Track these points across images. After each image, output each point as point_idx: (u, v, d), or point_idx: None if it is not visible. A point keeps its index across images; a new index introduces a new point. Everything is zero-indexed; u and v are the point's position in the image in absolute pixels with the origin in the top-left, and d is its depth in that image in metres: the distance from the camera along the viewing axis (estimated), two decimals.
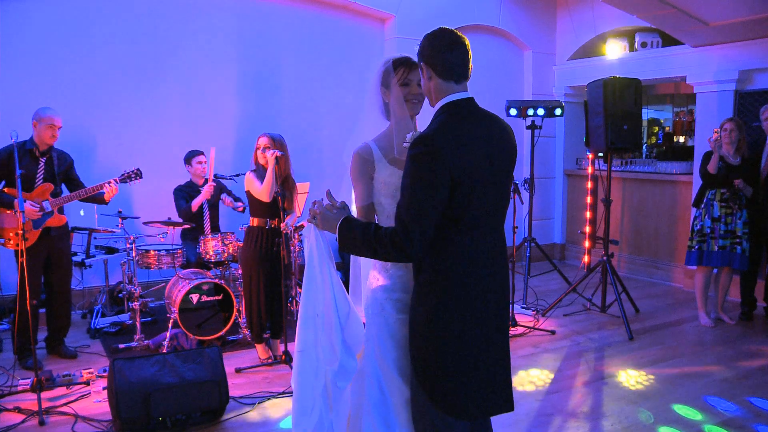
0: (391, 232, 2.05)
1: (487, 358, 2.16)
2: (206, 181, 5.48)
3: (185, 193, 5.60)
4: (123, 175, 4.63)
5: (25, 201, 4.26)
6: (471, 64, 2.17)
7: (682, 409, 3.87)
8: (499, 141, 2.16)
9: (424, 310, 2.13)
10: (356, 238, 2.13)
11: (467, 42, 2.16)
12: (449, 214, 2.06)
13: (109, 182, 4.53)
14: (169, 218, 5.39)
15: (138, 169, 4.67)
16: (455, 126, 2.08)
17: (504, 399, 2.23)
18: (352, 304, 2.37)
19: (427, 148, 2.01)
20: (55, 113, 4.48)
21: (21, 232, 3.67)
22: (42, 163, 4.48)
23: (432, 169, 2.00)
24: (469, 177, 2.03)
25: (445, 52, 2.11)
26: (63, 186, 4.68)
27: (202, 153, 5.69)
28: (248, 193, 4.55)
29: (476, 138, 2.09)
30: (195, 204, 5.46)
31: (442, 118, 2.11)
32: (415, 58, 2.23)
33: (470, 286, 2.12)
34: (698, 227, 5.46)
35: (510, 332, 5.22)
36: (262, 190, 4.38)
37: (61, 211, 4.57)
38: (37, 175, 4.46)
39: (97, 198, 4.62)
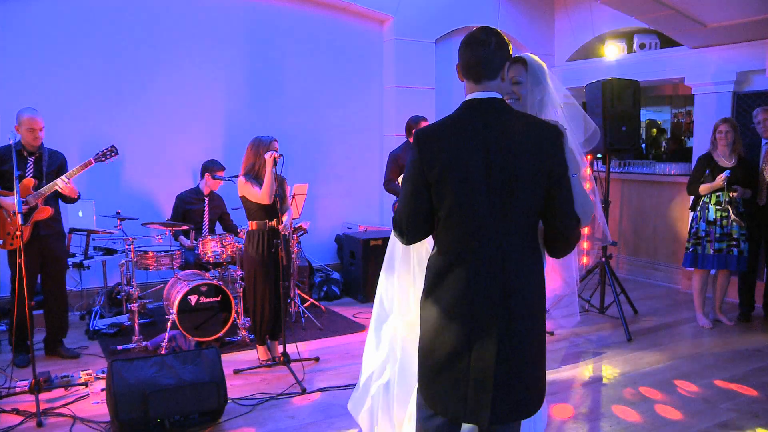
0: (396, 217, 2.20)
1: (456, 364, 2.06)
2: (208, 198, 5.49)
3: (186, 204, 5.64)
4: (98, 154, 4.55)
5: (6, 197, 4.33)
6: (495, 62, 2.03)
7: (679, 410, 3.88)
8: (506, 141, 2.00)
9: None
10: None
11: (492, 38, 2.03)
12: (436, 210, 2.10)
13: (83, 165, 4.47)
14: (168, 219, 5.38)
15: (113, 146, 4.60)
16: (450, 125, 2.07)
17: (471, 410, 2.05)
18: None
19: (411, 145, 2.10)
20: (36, 114, 4.42)
21: (17, 233, 3.66)
22: (30, 163, 4.47)
23: (411, 165, 2.09)
24: (443, 173, 2.01)
25: (462, 51, 2.09)
26: None
27: (224, 168, 5.71)
28: (243, 198, 4.48)
29: (470, 138, 2.01)
30: (188, 242, 5.55)
31: (445, 117, 2.13)
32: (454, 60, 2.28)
33: (447, 283, 2.06)
34: (694, 230, 5.46)
35: None
36: (263, 194, 4.33)
37: (46, 203, 4.49)
38: (26, 174, 4.44)
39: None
